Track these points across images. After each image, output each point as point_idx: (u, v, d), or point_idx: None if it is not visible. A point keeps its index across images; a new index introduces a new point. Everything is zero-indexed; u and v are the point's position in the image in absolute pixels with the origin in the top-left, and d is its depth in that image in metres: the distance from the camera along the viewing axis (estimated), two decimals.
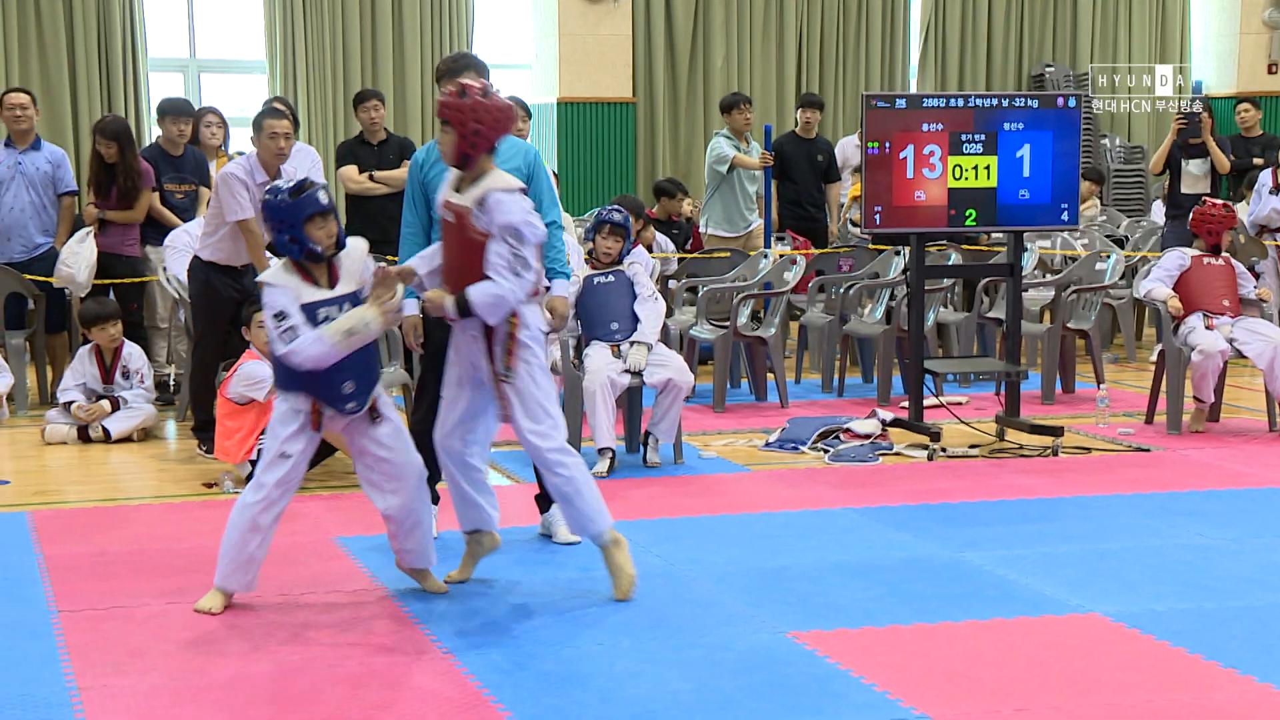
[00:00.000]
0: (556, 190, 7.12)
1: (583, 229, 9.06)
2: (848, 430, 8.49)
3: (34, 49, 13.32)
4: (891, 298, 10.34)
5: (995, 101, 8.32)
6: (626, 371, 7.78)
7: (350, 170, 10.37)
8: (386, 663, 4.89)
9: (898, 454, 8.26)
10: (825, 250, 11.91)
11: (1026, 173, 8.28)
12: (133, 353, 8.94)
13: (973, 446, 8.39)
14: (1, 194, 9.74)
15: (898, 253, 10.54)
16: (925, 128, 8.13)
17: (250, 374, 7.53)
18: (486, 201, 5.34)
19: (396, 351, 8.54)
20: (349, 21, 14.21)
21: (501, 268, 5.32)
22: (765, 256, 10.64)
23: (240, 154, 8.85)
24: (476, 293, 5.33)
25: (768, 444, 8.47)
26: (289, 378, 5.39)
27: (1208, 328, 8.73)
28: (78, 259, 9.36)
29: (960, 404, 9.42)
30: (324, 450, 7.31)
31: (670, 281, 11.00)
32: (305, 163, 9.10)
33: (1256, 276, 10.13)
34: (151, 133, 12.40)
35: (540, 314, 5.62)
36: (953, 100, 8.29)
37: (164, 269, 9.33)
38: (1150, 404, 9.16)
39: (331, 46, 14.20)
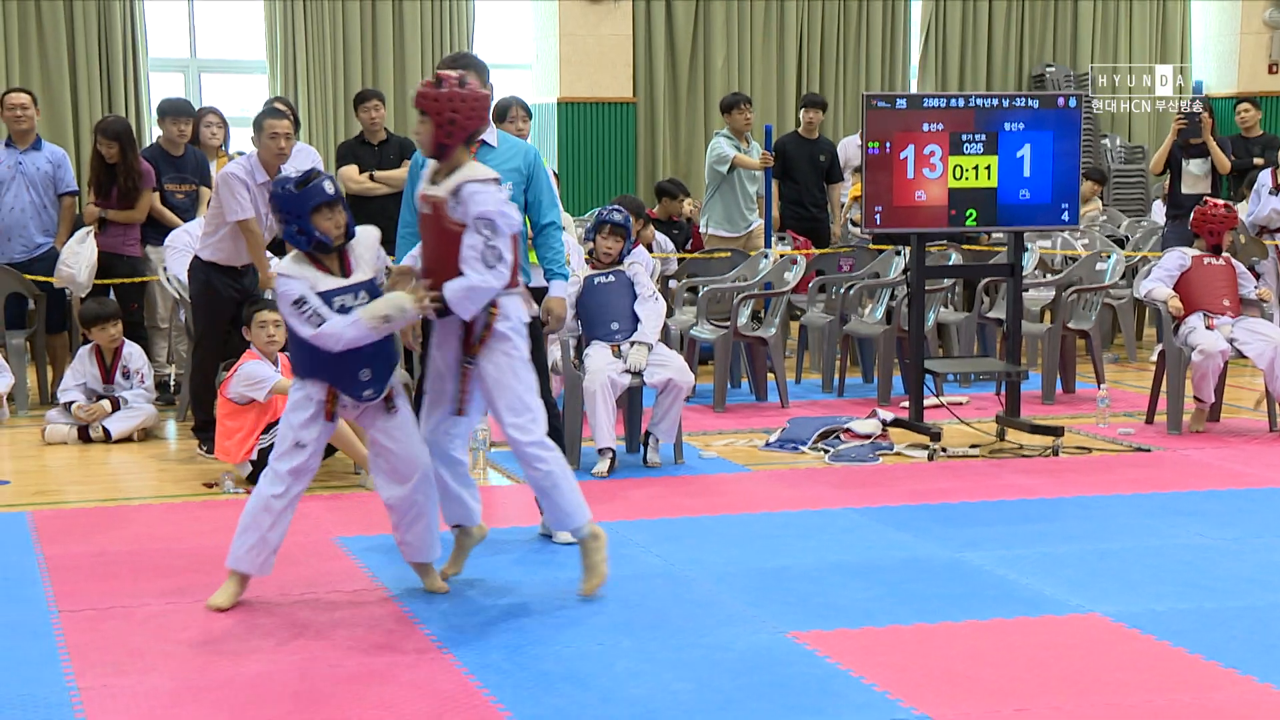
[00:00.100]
0: (556, 190, 7.12)
1: (583, 229, 9.05)
2: (848, 430, 8.49)
3: (34, 49, 13.32)
4: (892, 298, 10.34)
5: (996, 101, 8.31)
6: (627, 371, 7.78)
7: (350, 170, 10.38)
8: (386, 662, 4.89)
9: (898, 454, 8.26)
10: (825, 250, 11.91)
11: (1027, 173, 8.28)
12: (133, 353, 8.94)
13: (973, 446, 8.39)
14: (2, 194, 9.74)
15: (898, 253, 10.54)
16: (926, 128, 8.13)
17: (250, 374, 7.53)
18: (461, 192, 5.33)
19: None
20: (349, 21, 14.22)
21: (474, 259, 5.31)
22: (765, 256, 10.64)
23: (240, 154, 8.86)
24: (449, 289, 5.33)
25: (768, 444, 8.47)
26: (307, 365, 5.42)
27: (1208, 328, 8.73)
28: (78, 259, 9.36)
29: (960, 404, 9.42)
30: (325, 450, 7.30)
31: (670, 281, 11.01)
32: (306, 163, 9.08)
33: (1257, 276, 10.12)
34: (152, 133, 12.40)
35: (522, 306, 5.58)
36: (953, 100, 8.29)
37: (164, 269, 9.33)
38: (1150, 404, 9.16)
39: (331, 46, 14.20)
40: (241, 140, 11.01)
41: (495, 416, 5.55)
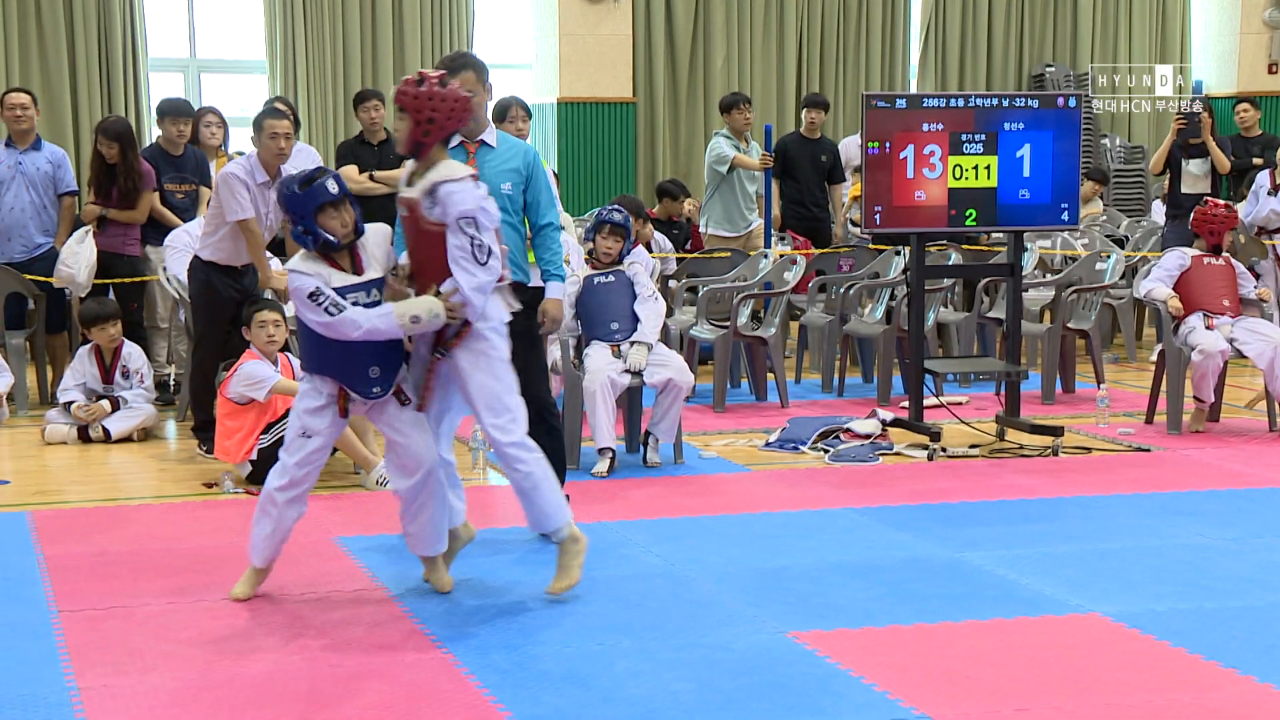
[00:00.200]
0: (556, 190, 7.12)
1: (582, 229, 9.05)
2: (848, 430, 8.49)
3: (34, 49, 13.32)
4: (892, 298, 10.34)
5: (995, 101, 8.31)
6: (627, 371, 7.78)
7: (350, 170, 10.37)
8: (386, 663, 4.89)
9: (898, 454, 8.26)
10: (825, 250, 11.91)
11: (1027, 173, 8.28)
12: (133, 353, 8.94)
13: (973, 446, 8.39)
14: (2, 194, 9.74)
15: (898, 253, 10.54)
16: (925, 128, 8.13)
17: (250, 374, 7.54)
18: (437, 193, 5.33)
19: None
20: (349, 21, 14.21)
21: (464, 259, 5.31)
22: (765, 256, 10.64)
23: (240, 154, 8.85)
24: (466, 294, 5.32)
25: (768, 444, 8.47)
26: (317, 361, 5.45)
27: (1208, 328, 8.73)
28: (78, 259, 9.36)
29: (960, 404, 9.42)
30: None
31: (670, 281, 11.01)
32: (306, 163, 9.06)
33: (1257, 276, 10.13)
34: (152, 133, 12.39)
35: (502, 305, 5.56)
36: (953, 100, 8.29)
37: (164, 269, 9.33)
38: (1150, 404, 9.17)
39: (331, 46, 14.20)
40: (241, 140, 11.01)
41: (475, 417, 5.55)
